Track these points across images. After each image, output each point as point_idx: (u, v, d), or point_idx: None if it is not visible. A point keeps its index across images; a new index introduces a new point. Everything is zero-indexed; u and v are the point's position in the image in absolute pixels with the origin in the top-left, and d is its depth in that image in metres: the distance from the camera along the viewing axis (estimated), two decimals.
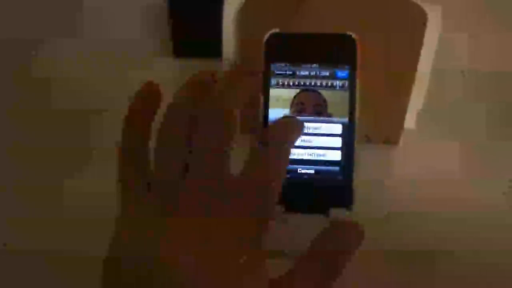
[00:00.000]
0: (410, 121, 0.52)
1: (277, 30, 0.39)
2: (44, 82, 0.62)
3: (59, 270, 0.49)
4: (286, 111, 0.38)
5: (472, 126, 0.57)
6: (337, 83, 0.38)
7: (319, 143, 0.37)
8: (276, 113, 0.38)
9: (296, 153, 0.37)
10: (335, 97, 0.38)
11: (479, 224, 0.50)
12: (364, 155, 0.39)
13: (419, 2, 0.45)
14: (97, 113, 0.59)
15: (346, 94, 0.38)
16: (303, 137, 0.37)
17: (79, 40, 0.65)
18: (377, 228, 0.49)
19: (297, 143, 0.37)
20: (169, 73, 0.61)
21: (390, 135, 0.53)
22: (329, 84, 0.38)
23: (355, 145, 0.37)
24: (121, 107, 0.58)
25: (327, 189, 0.36)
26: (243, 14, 0.47)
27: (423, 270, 0.48)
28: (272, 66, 0.38)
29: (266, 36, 0.39)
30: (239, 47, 0.48)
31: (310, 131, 0.37)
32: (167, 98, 0.61)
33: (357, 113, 0.37)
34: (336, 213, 0.36)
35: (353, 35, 0.38)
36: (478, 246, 0.49)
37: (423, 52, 0.47)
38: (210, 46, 0.50)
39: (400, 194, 0.52)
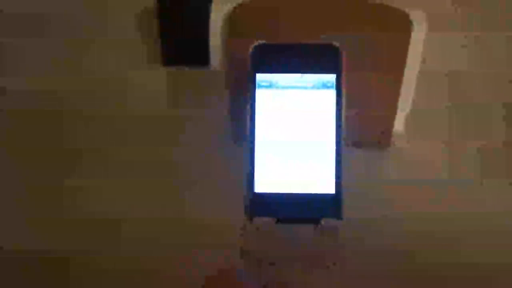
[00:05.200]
0: (399, 124, 0.52)
1: (262, 41, 0.39)
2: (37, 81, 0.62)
3: (58, 270, 0.49)
4: (273, 120, 0.38)
5: (460, 128, 0.57)
6: (323, 93, 0.38)
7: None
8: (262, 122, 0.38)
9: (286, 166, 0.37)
10: (320, 107, 0.38)
11: (472, 224, 0.51)
12: (355, 159, 0.39)
13: (403, 7, 0.46)
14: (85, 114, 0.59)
15: (332, 104, 0.38)
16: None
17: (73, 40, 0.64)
18: (368, 229, 0.49)
19: (287, 155, 0.37)
20: (158, 80, 0.61)
21: (380, 138, 0.53)
22: (315, 94, 0.38)
23: (343, 156, 0.37)
24: (111, 108, 0.59)
25: (318, 202, 0.36)
26: (230, 22, 0.47)
27: (418, 269, 0.48)
28: (258, 77, 0.38)
29: (251, 47, 0.39)
30: (226, 55, 0.48)
31: None
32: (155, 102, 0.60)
33: (343, 123, 0.37)
34: (327, 221, 0.36)
35: (337, 45, 0.38)
36: (474, 246, 0.50)
37: (409, 56, 0.47)
38: (198, 54, 0.50)
39: (391, 196, 0.53)
